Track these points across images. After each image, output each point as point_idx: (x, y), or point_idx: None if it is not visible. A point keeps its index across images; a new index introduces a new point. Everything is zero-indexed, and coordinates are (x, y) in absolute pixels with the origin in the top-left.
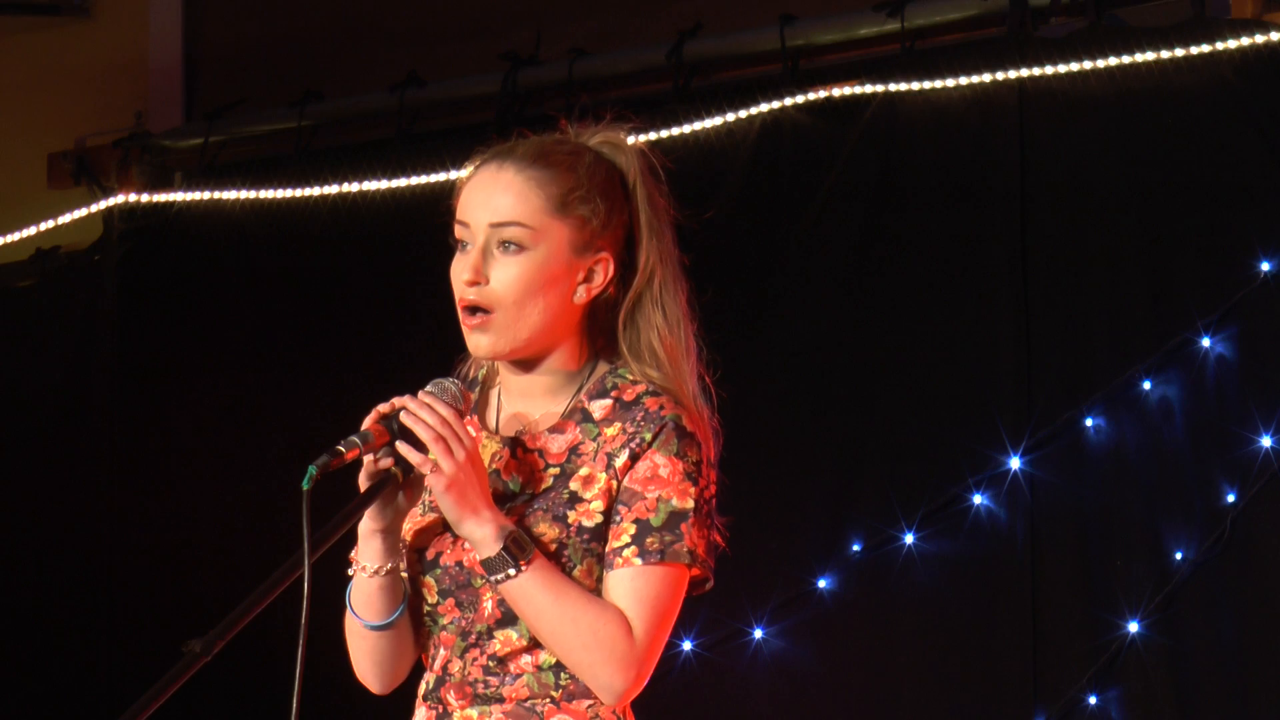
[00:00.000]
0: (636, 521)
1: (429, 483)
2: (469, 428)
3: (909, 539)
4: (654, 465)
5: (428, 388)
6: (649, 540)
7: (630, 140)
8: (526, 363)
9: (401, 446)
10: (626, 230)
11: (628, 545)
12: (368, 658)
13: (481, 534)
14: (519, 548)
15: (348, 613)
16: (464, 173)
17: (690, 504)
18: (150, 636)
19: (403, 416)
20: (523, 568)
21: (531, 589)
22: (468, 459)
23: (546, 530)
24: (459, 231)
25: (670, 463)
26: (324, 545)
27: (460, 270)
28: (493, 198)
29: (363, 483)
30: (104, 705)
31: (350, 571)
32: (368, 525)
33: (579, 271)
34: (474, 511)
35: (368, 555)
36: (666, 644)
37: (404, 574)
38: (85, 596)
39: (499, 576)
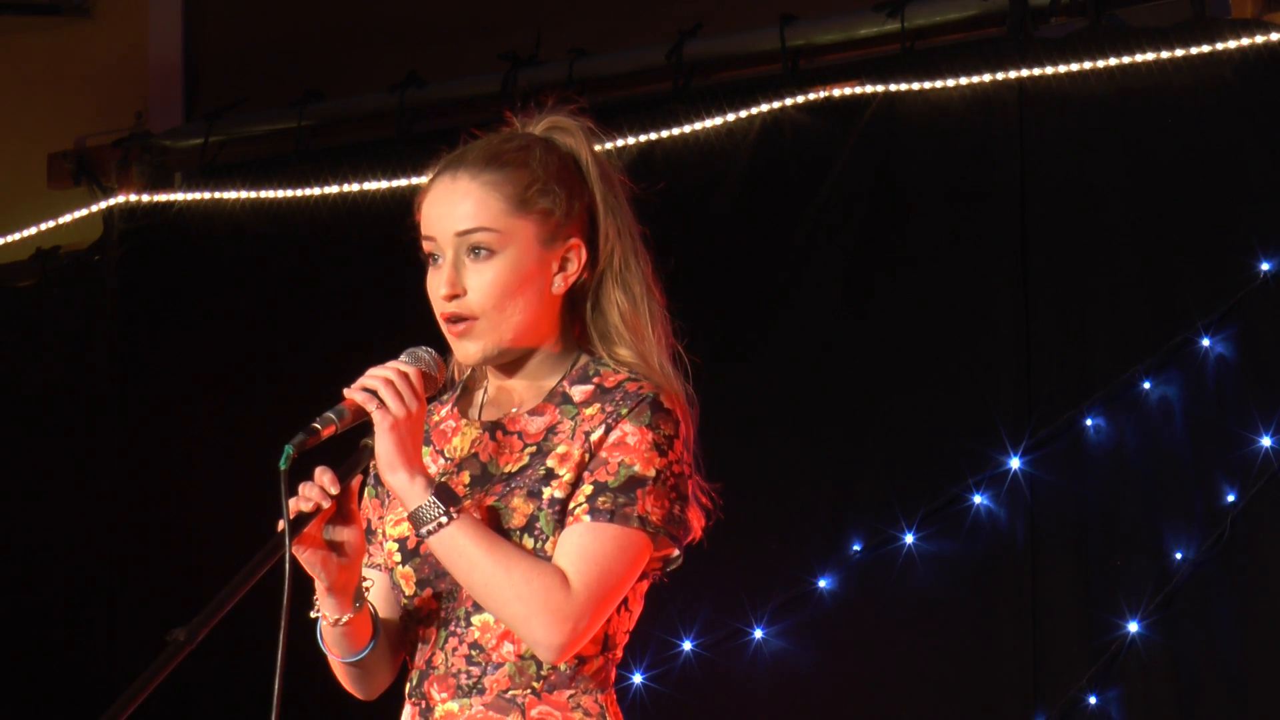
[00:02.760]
0: (595, 483)
1: (374, 421)
2: (450, 421)
3: (909, 539)
4: (623, 434)
5: (402, 356)
6: (601, 500)
7: (575, 121)
8: (512, 359)
9: (350, 390)
10: (590, 212)
11: (581, 504)
12: (346, 678)
13: (412, 484)
14: (448, 497)
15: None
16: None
17: (652, 472)
18: (151, 633)
19: (368, 373)
20: (453, 515)
21: (462, 539)
22: (417, 414)
23: (520, 505)
24: (427, 246)
25: (639, 432)
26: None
27: (436, 286)
28: (453, 208)
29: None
30: (104, 700)
31: (313, 615)
32: (318, 586)
33: (552, 262)
34: (408, 462)
35: (327, 607)
36: (667, 644)
37: (374, 583)
38: (86, 594)
39: (430, 527)
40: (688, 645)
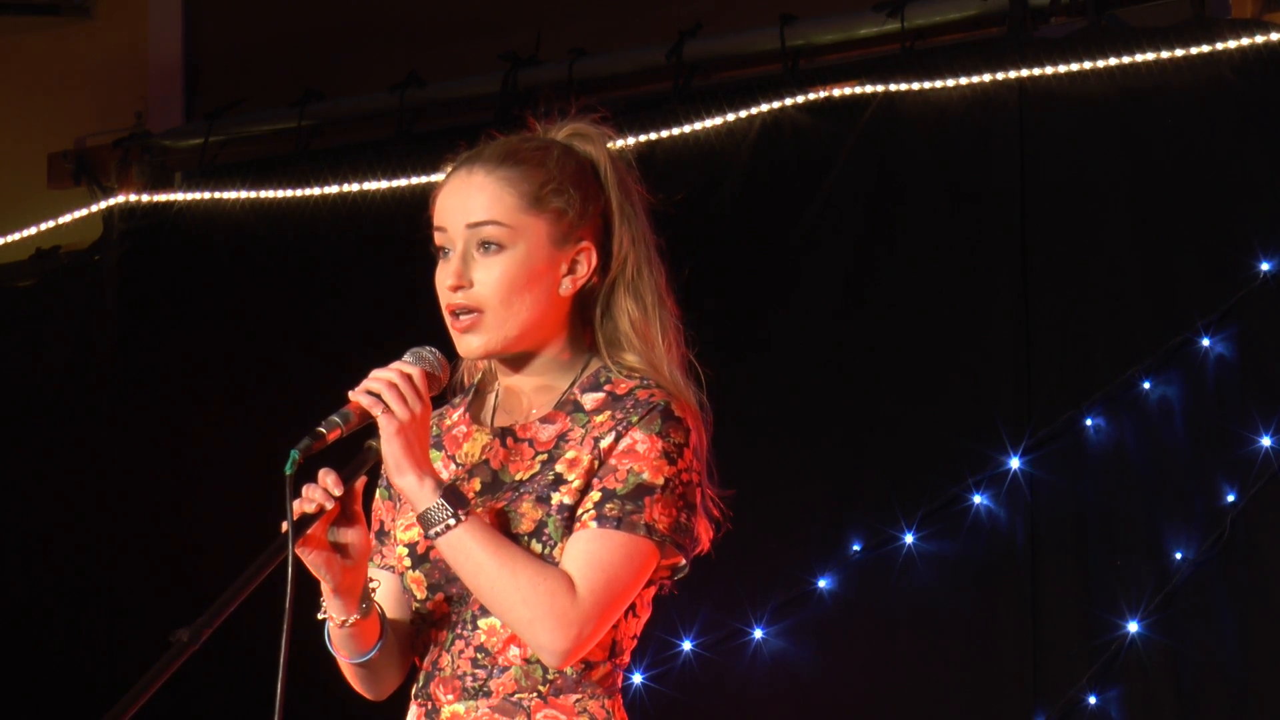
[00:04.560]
0: (603, 490)
1: (379, 425)
2: (462, 426)
3: (909, 539)
4: (633, 441)
5: (405, 356)
6: (609, 507)
7: (596, 128)
8: (518, 359)
9: (354, 394)
10: (605, 218)
11: (588, 510)
12: (355, 679)
13: (421, 487)
14: (457, 500)
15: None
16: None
17: (660, 480)
18: (151, 633)
19: (371, 375)
20: (461, 517)
21: (470, 542)
22: (422, 415)
23: (529, 511)
24: (438, 238)
25: (649, 440)
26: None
27: (444, 277)
28: (466, 201)
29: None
30: (105, 700)
31: (320, 616)
32: (324, 587)
33: (561, 264)
34: (416, 464)
35: (333, 608)
36: (667, 644)
37: (380, 583)
38: (86, 594)
39: (438, 529)
40: (688, 645)
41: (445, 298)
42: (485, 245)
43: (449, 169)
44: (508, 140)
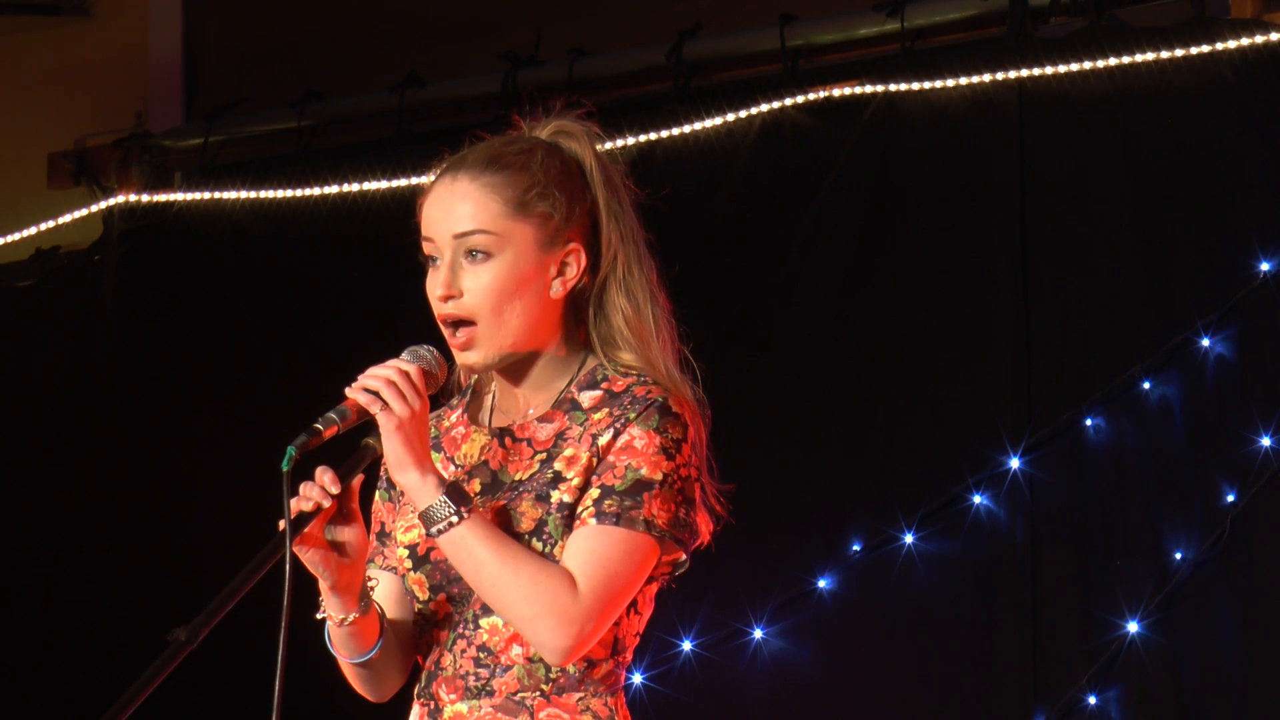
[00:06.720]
0: (602, 487)
1: (379, 423)
2: (460, 427)
3: (909, 539)
4: (631, 437)
5: (403, 354)
6: (607, 503)
7: (582, 126)
8: (515, 363)
9: (351, 391)
10: (592, 217)
11: (587, 508)
12: (356, 680)
13: (424, 483)
14: (459, 497)
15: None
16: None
17: (659, 476)
18: (151, 633)
19: (368, 373)
20: (464, 514)
21: (472, 540)
22: (420, 412)
23: (529, 510)
24: (426, 248)
25: (647, 435)
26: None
27: (434, 287)
28: (452, 210)
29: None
30: (105, 700)
31: (318, 616)
32: (322, 585)
33: (551, 267)
34: (418, 461)
35: (332, 607)
36: (667, 643)
37: (380, 582)
38: (86, 594)
39: (440, 526)
40: (687, 645)
41: (437, 308)
42: (473, 253)
43: (433, 175)
44: (491, 144)
